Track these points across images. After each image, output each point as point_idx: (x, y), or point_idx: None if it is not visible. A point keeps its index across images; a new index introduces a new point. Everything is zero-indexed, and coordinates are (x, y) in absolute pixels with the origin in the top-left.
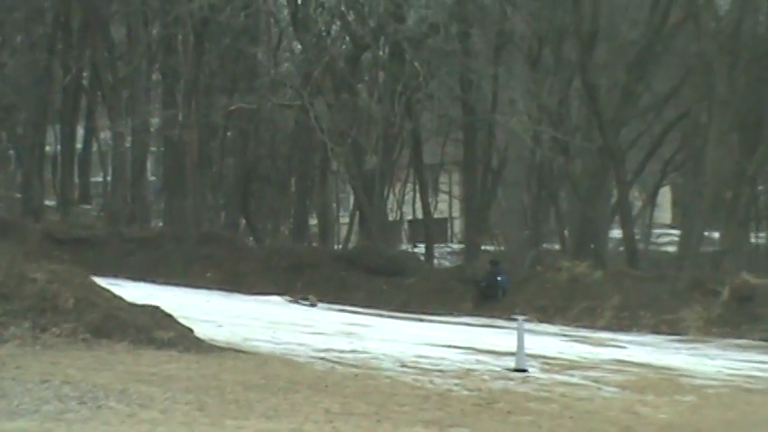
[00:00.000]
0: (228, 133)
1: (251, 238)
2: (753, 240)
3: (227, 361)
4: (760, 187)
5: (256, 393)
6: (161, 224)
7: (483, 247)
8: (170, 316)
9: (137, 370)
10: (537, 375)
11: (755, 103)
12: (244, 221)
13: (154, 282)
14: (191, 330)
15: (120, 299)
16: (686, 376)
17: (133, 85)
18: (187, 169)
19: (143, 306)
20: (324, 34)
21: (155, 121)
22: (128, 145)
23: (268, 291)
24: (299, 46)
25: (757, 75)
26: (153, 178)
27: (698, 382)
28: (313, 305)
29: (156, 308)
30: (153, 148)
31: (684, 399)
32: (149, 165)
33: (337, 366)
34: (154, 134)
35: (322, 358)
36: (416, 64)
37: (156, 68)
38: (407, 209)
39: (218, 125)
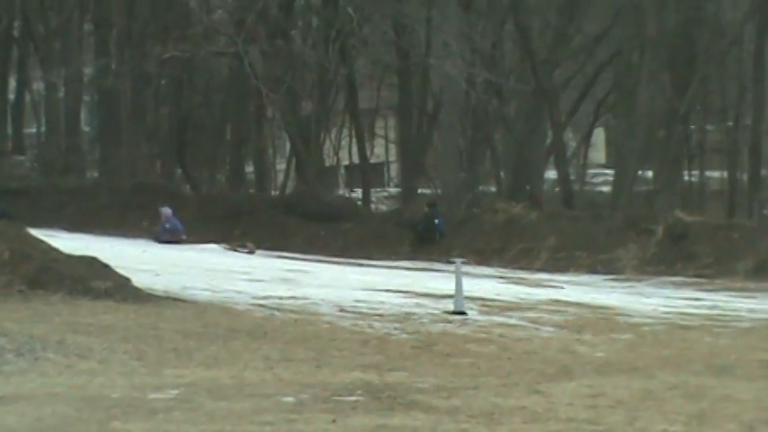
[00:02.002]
0: (163, 82)
1: (187, 187)
2: (686, 178)
3: (166, 310)
4: (692, 126)
5: (195, 341)
6: (96, 174)
7: (420, 191)
8: (107, 266)
9: (74, 321)
10: (475, 317)
11: (686, 42)
12: (180, 170)
13: (90, 232)
14: (128, 280)
15: (56, 250)
16: (622, 315)
17: (65, 34)
18: (121, 119)
19: (79, 257)
20: None
21: (88, 70)
22: (61, 95)
23: (205, 239)
24: None
25: (687, 13)
26: (87, 128)
27: (634, 320)
28: (251, 252)
29: (93, 258)
30: (86, 98)
31: (621, 337)
32: (83, 115)
33: (276, 313)
34: (87, 84)
35: (261, 305)
36: (349, 9)
37: (87, 18)
38: (344, 154)
39: (151, 74)
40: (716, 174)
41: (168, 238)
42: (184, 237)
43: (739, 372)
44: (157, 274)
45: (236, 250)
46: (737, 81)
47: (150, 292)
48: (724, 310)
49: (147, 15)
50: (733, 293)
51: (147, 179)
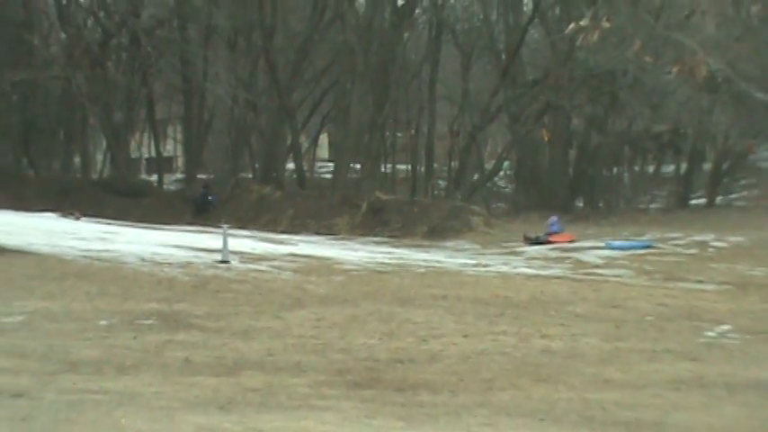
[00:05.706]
0: (14, 97)
1: (31, 171)
2: (383, 169)
3: (16, 259)
4: (387, 132)
5: (37, 282)
6: None
7: (198, 176)
8: None
9: None
10: (236, 265)
11: (383, 75)
12: (26, 159)
13: None
14: None
15: None
16: (338, 263)
17: None
18: None
19: None
20: (82, 26)
21: None
22: None
23: (44, 209)
24: (64, 35)
25: (384, 55)
26: None
27: (346, 267)
28: (77, 218)
29: None
30: None
31: (337, 279)
32: None
33: (95, 262)
34: None
35: (84, 256)
36: (149, 48)
37: None
38: (145, 150)
39: (6, 91)
40: (403, 166)
41: (545, 238)
42: (563, 239)
43: (417, 302)
44: (11, 234)
45: (66, 217)
46: (417, 102)
47: (4, 246)
48: (407, 260)
49: (4, 48)
50: (413, 248)
51: (2, 166)
